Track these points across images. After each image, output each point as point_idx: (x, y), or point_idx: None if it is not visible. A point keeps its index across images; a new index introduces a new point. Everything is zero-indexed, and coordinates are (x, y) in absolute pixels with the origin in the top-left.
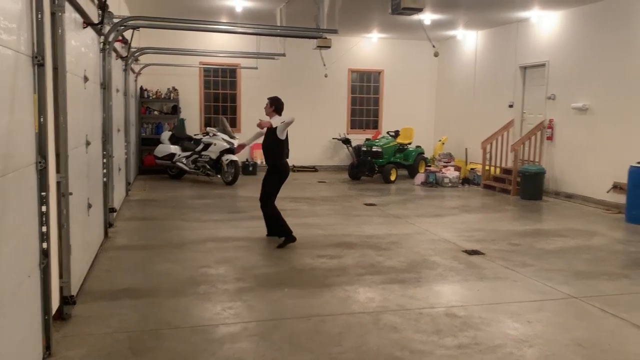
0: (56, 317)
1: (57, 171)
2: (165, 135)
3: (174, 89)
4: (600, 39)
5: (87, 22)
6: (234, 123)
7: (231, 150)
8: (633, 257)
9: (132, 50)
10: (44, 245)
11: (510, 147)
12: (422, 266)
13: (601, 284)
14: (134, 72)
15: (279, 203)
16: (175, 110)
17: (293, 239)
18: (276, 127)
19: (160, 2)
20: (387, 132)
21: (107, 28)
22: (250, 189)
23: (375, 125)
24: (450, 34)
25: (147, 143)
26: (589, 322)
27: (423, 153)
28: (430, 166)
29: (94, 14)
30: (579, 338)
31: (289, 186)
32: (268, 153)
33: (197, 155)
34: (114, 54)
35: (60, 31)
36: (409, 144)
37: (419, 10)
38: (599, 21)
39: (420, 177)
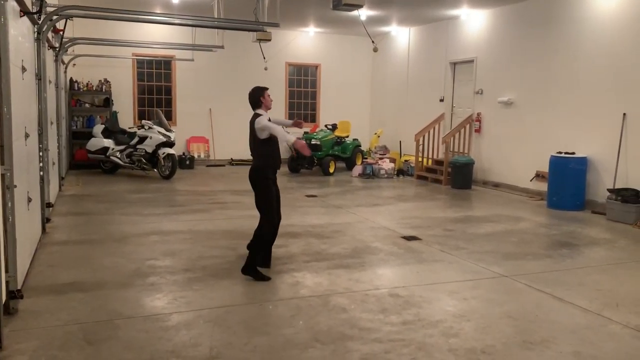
0: (2, 312)
1: (1, 163)
2: (98, 128)
3: (106, 81)
4: (524, 36)
5: (24, 11)
6: (169, 116)
7: (168, 144)
8: (554, 239)
9: (65, 40)
10: None
11: (442, 139)
12: (365, 252)
13: (527, 264)
14: (63, 63)
15: (222, 196)
16: (108, 102)
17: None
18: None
19: None
20: (325, 126)
21: (42, 17)
22: (188, 183)
23: (313, 118)
24: (384, 30)
25: (78, 137)
26: (517, 297)
27: (360, 146)
28: (367, 158)
29: (29, 2)
30: (510, 311)
31: (230, 179)
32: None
33: (132, 149)
34: (46, 44)
35: (2, 20)
36: (347, 137)
37: (359, 6)
38: (523, 20)
39: (357, 169)
